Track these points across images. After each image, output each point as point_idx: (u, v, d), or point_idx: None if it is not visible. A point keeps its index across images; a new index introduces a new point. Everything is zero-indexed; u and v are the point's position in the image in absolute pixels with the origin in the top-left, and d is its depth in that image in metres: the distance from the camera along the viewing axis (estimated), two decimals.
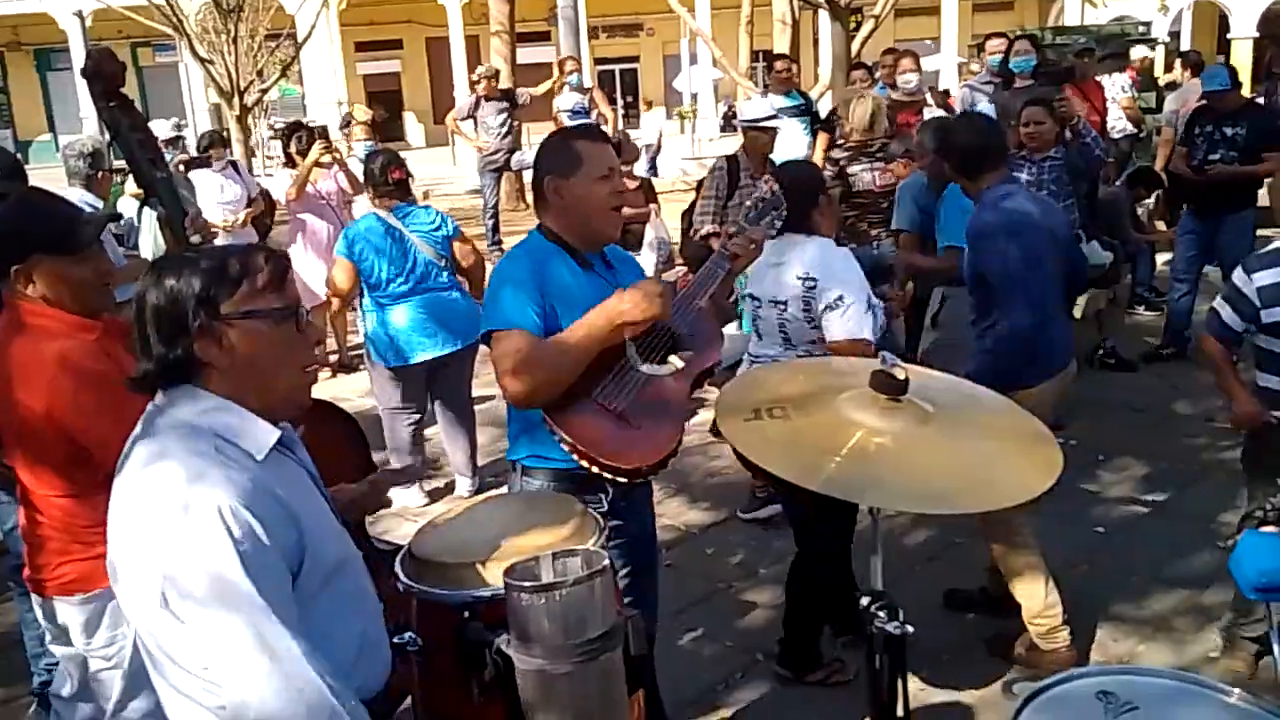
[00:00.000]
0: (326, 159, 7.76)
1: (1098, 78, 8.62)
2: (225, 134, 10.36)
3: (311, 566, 1.74)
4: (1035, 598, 3.66)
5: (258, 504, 1.66)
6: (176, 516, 1.63)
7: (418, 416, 5.54)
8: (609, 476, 2.49)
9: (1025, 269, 3.61)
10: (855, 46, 11.32)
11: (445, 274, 5.37)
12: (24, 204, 2.91)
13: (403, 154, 6.01)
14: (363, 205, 7.91)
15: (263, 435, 1.77)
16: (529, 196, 13.56)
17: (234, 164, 8.00)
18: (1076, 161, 6.11)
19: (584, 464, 2.47)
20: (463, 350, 5.40)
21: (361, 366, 8.15)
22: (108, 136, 4.28)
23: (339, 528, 1.92)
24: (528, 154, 9.58)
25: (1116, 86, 9.48)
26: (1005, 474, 1.74)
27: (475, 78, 11.53)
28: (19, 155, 4.23)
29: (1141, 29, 13.61)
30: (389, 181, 5.36)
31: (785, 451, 1.72)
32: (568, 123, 6.98)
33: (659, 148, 18.57)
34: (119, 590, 1.75)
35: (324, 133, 8.39)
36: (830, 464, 1.65)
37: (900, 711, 1.88)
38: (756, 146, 5.98)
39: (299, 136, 8.01)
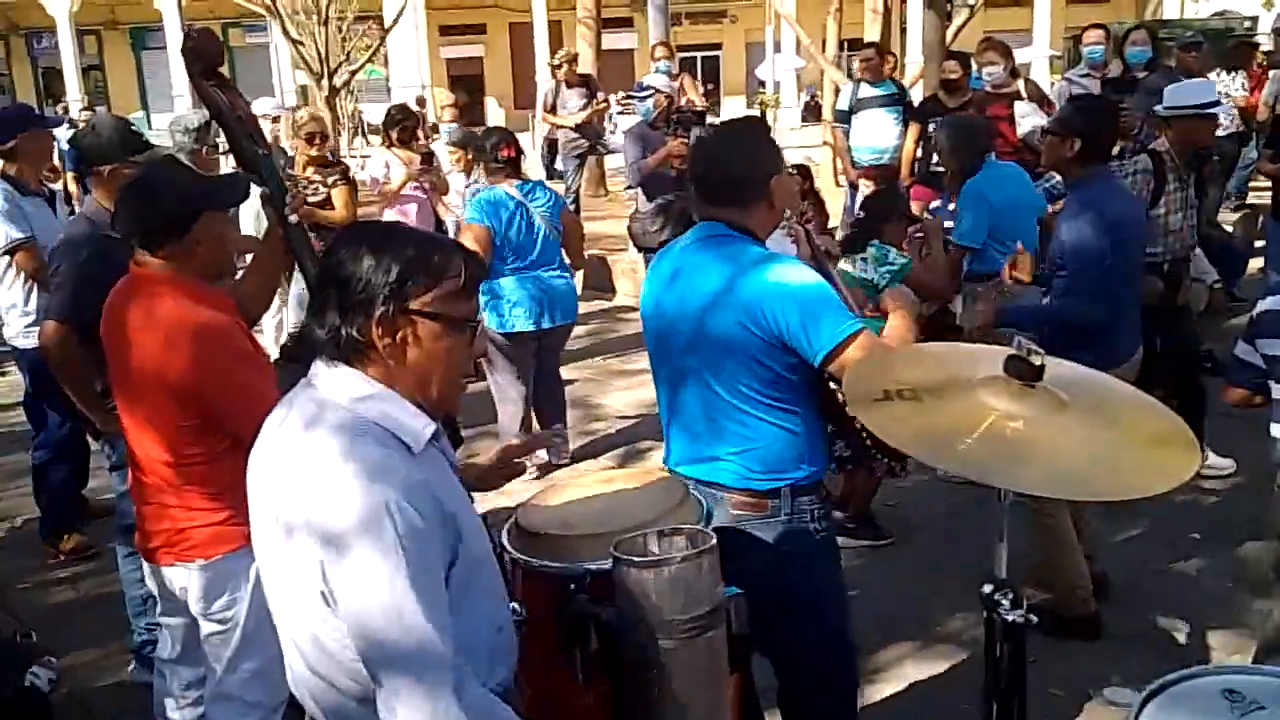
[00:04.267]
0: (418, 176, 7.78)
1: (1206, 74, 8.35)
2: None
3: (463, 563, 1.71)
4: (1078, 569, 3.89)
5: (420, 501, 1.63)
6: (344, 508, 1.60)
7: (525, 386, 5.65)
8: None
9: (1116, 260, 3.75)
10: (949, 36, 11.09)
11: (559, 253, 5.57)
12: (173, 165, 2.90)
13: None
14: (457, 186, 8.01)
15: (420, 428, 1.73)
16: (609, 183, 13.73)
17: None
18: None
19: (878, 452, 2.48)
20: (563, 326, 5.69)
21: None
22: (205, 116, 4.35)
23: (480, 521, 1.89)
24: (613, 137, 9.52)
25: (1236, 84, 9.18)
26: (1143, 463, 1.71)
27: (555, 62, 11.51)
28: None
29: (1247, 24, 13.17)
30: (499, 159, 5.45)
31: (917, 432, 1.70)
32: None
33: None
34: (269, 564, 1.75)
35: (408, 112, 8.40)
36: (963, 444, 1.63)
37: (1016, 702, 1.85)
38: (1194, 138, 4.96)
39: (403, 126, 8.02)
